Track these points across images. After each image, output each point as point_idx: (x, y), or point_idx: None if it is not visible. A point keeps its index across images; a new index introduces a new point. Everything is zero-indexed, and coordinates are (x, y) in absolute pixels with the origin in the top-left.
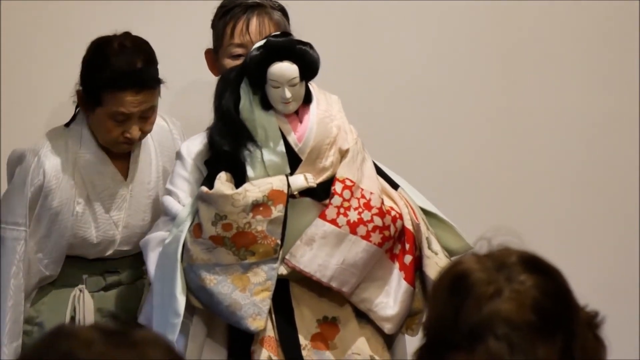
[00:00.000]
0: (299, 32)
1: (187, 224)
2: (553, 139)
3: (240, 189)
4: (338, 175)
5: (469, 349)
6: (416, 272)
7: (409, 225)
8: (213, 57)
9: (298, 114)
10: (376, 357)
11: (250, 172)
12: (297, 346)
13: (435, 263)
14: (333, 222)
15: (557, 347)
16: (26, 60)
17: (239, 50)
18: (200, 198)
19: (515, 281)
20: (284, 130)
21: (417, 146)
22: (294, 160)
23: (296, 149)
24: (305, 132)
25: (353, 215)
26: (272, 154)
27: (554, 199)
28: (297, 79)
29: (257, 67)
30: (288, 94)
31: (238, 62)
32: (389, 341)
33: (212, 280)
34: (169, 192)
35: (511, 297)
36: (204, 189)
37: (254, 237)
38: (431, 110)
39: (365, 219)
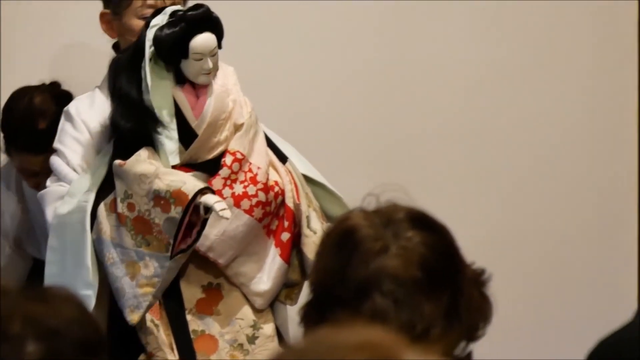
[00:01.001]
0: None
1: (92, 194)
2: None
3: (151, 170)
4: (229, 148)
5: (355, 305)
6: (293, 249)
7: (289, 202)
8: (110, 18)
9: (195, 88)
10: (259, 322)
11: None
12: (182, 310)
13: (313, 242)
14: (218, 192)
15: (443, 303)
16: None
17: (150, 11)
18: (115, 172)
19: (402, 237)
20: (181, 107)
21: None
22: (189, 135)
23: (193, 125)
24: (202, 108)
25: (238, 189)
26: (166, 135)
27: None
28: (216, 49)
29: (180, 42)
30: (210, 64)
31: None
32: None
33: (110, 258)
34: (56, 151)
35: (398, 253)
36: (118, 161)
37: (151, 227)
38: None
39: (250, 193)
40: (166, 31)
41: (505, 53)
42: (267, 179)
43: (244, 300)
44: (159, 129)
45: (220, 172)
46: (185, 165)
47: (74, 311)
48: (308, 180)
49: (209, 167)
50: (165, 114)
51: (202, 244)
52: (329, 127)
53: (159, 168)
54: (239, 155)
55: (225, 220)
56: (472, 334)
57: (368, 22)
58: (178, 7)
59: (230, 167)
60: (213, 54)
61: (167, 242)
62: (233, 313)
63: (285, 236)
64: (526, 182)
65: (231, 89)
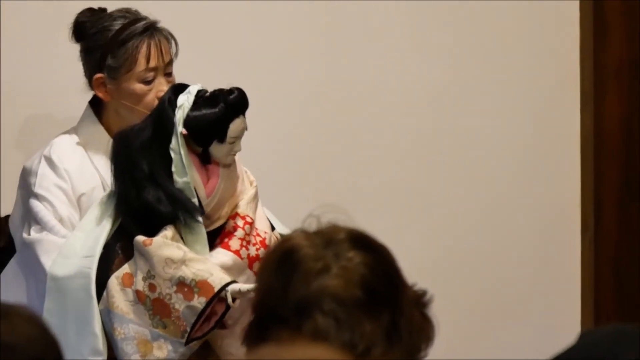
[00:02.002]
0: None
1: (94, 260)
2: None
3: (179, 256)
4: (240, 212)
5: (296, 324)
6: None
7: None
8: (106, 82)
9: (206, 167)
10: None
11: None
12: None
13: None
14: (237, 253)
15: (384, 323)
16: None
17: (151, 75)
18: (137, 249)
19: (343, 258)
20: (196, 185)
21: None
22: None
23: (204, 202)
24: (214, 189)
25: (252, 250)
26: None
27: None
28: (244, 132)
29: (219, 125)
30: (240, 147)
31: (150, 87)
32: None
33: (120, 333)
34: (37, 197)
35: (339, 273)
36: (143, 240)
37: (170, 311)
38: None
39: (261, 256)
40: (204, 114)
41: (449, 74)
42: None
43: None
44: (196, 214)
45: (236, 233)
46: None
47: (34, 330)
48: None
49: (208, 239)
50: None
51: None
52: (272, 145)
53: (186, 254)
54: (248, 219)
55: (242, 282)
56: (414, 355)
57: (314, 41)
58: (199, 86)
59: (243, 229)
60: (241, 136)
61: (183, 329)
62: None
63: None
64: (469, 203)
65: (238, 165)
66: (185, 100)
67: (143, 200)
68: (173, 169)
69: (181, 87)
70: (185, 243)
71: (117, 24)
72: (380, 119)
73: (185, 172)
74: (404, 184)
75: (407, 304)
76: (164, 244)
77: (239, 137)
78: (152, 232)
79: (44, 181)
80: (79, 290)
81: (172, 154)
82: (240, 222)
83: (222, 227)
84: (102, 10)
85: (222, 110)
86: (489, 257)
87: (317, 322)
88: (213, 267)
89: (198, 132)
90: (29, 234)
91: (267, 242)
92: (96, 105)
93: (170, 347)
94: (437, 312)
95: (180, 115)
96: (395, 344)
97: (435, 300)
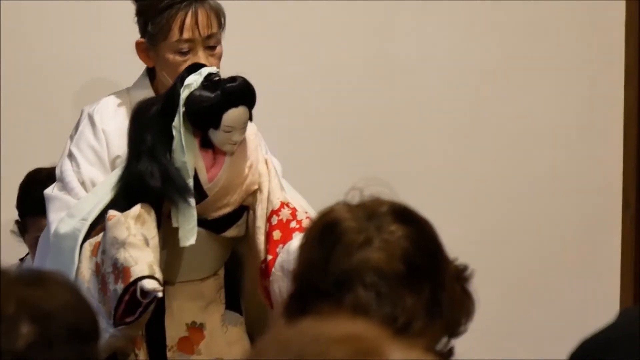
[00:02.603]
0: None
1: (86, 224)
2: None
3: (122, 237)
4: (283, 199)
5: (337, 297)
6: None
7: None
8: (147, 48)
9: (214, 152)
10: None
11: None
12: (163, 346)
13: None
14: (302, 229)
15: (425, 298)
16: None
17: (187, 46)
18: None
19: (385, 231)
20: (197, 168)
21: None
22: (199, 192)
23: (205, 187)
24: (217, 174)
25: None
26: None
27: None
28: (247, 122)
29: (214, 112)
30: (239, 137)
31: (186, 57)
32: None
33: None
34: (70, 154)
35: (381, 246)
36: (109, 213)
37: (106, 290)
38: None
39: None
40: (201, 97)
41: (494, 52)
42: None
43: (225, 339)
44: (187, 196)
45: (297, 215)
46: None
47: (69, 297)
48: None
49: (214, 226)
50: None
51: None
52: (313, 121)
53: (128, 237)
54: (291, 205)
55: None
56: (454, 330)
57: (353, 19)
58: (213, 69)
59: (298, 212)
60: (243, 127)
61: (108, 312)
62: (214, 354)
63: None
64: (511, 181)
65: (249, 155)
66: (194, 81)
67: (137, 172)
68: (173, 147)
69: (197, 67)
70: (177, 223)
71: None
72: (425, 97)
73: (183, 152)
74: (448, 162)
75: (449, 279)
76: (118, 223)
77: (235, 127)
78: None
79: (80, 140)
80: (68, 251)
81: (174, 132)
82: (288, 210)
83: (231, 219)
84: None
85: (218, 97)
86: (531, 233)
87: (358, 295)
88: (145, 256)
89: (193, 115)
90: (52, 191)
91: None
92: (151, 69)
93: (104, 326)
94: (478, 288)
95: (185, 94)
96: (436, 318)
97: (476, 276)
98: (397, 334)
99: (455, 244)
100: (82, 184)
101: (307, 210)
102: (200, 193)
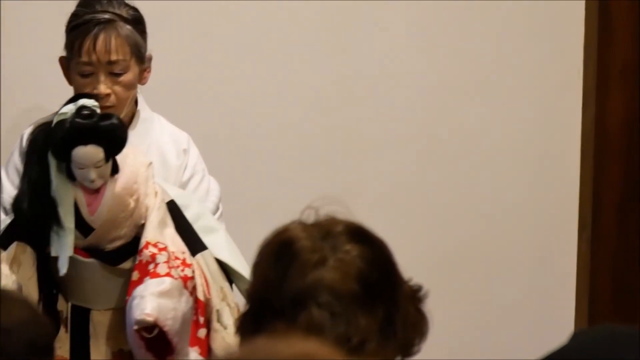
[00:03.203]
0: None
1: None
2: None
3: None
4: (150, 240)
5: (291, 316)
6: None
7: (201, 296)
8: (66, 65)
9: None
10: None
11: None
12: None
13: (222, 337)
14: (168, 275)
15: (379, 318)
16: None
17: (88, 69)
18: None
19: (340, 250)
20: (78, 202)
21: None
22: (87, 229)
23: (88, 221)
24: (98, 207)
25: (177, 272)
26: (61, 228)
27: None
28: (103, 162)
29: (62, 148)
30: (93, 175)
31: (88, 80)
32: None
33: None
34: (5, 169)
35: (335, 265)
36: None
37: None
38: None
39: (189, 275)
40: (55, 130)
41: (455, 69)
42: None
43: None
44: (56, 226)
45: (158, 259)
46: (85, 250)
47: (26, 313)
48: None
49: (111, 258)
50: (65, 210)
51: (172, 326)
52: (274, 139)
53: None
54: (160, 245)
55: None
56: (408, 350)
57: (316, 37)
58: (89, 102)
59: (161, 254)
60: (97, 166)
61: None
62: None
63: (202, 332)
64: (468, 200)
65: (135, 188)
66: (68, 110)
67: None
68: (51, 176)
69: (83, 97)
70: (54, 252)
71: (80, 10)
72: (385, 116)
73: (53, 182)
74: (402, 181)
75: (403, 299)
76: None
77: (86, 165)
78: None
79: (9, 161)
80: None
81: (49, 161)
82: (154, 249)
83: (127, 251)
84: None
85: (66, 133)
86: (486, 254)
87: (312, 314)
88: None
89: (51, 147)
90: None
91: (188, 261)
92: None
93: None
94: (432, 309)
95: (55, 122)
96: (390, 339)
97: (431, 297)
98: (350, 354)
99: (410, 264)
100: (4, 208)
101: (182, 252)
102: (85, 226)
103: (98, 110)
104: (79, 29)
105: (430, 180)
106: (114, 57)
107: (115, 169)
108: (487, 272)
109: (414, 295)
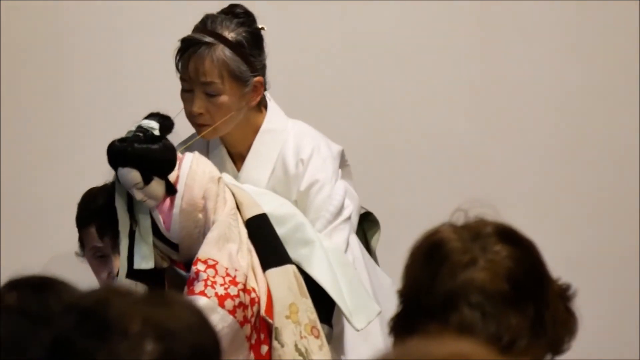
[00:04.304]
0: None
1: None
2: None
3: None
4: (200, 256)
5: (442, 316)
6: None
7: (262, 313)
8: None
9: (165, 202)
10: None
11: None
12: None
13: (279, 355)
14: (201, 293)
15: (529, 316)
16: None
17: (186, 85)
18: None
19: (490, 251)
20: (155, 219)
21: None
22: (169, 244)
23: (167, 236)
24: (170, 223)
25: (220, 290)
26: (141, 241)
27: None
28: (141, 183)
29: (112, 167)
30: (138, 196)
31: (189, 95)
32: None
33: None
34: None
35: (486, 266)
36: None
37: None
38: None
39: (232, 294)
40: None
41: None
42: (247, 280)
43: None
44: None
45: (198, 277)
46: (185, 265)
47: (194, 318)
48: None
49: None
50: (142, 226)
51: None
52: (426, 139)
53: None
54: (210, 262)
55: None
56: (558, 348)
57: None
58: (146, 123)
59: (205, 272)
60: (139, 188)
61: None
62: None
63: (264, 349)
64: (614, 200)
65: (203, 204)
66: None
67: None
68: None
69: (152, 115)
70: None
71: (195, 26)
72: (523, 120)
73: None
74: (545, 186)
75: (552, 298)
76: None
77: (127, 186)
78: None
79: None
80: None
81: None
82: (202, 267)
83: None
84: (227, 10)
85: (108, 157)
86: (629, 256)
87: (463, 314)
88: None
89: None
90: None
91: (237, 279)
92: None
93: None
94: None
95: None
96: (540, 337)
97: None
98: (502, 353)
99: (559, 263)
100: None
101: (235, 269)
102: (169, 242)
103: (155, 130)
104: (182, 45)
105: (568, 184)
106: (205, 79)
107: (170, 189)
108: (632, 275)
109: (563, 294)
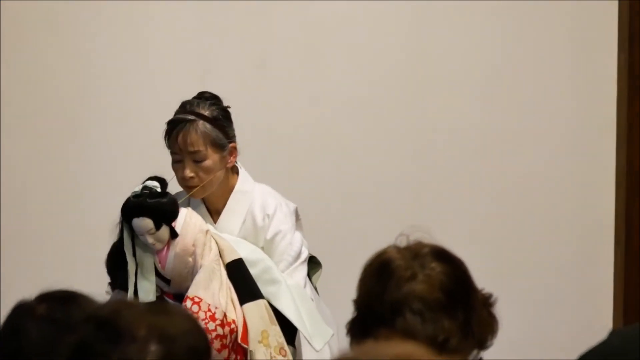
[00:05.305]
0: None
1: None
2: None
3: None
4: (189, 294)
5: (390, 320)
6: None
7: (239, 340)
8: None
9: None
10: None
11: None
12: None
13: None
14: None
15: (459, 320)
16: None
17: (176, 157)
18: None
19: (427, 267)
20: (154, 259)
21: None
22: (164, 280)
23: (162, 273)
24: (165, 263)
25: (201, 325)
26: (143, 278)
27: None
28: (154, 229)
29: (126, 221)
30: (150, 240)
31: (179, 165)
32: None
33: None
34: None
35: (424, 280)
36: None
37: None
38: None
39: (210, 328)
40: (122, 206)
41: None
42: (225, 316)
43: None
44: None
45: None
46: (174, 295)
47: (189, 324)
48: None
49: None
50: (145, 267)
51: None
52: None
53: None
54: (196, 299)
55: None
56: (482, 345)
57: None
58: (151, 184)
59: (190, 309)
60: (151, 233)
61: None
62: None
63: None
64: (526, 221)
65: (193, 250)
66: (137, 189)
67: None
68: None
69: (151, 179)
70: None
71: (177, 110)
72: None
73: (136, 246)
74: (470, 215)
75: (477, 304)
76: None
77: (140, 233)
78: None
79: None
80: None
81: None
82: (189, 304)
83: None
84: (199, 96)
85: (123, 210)
86: (536, 262)
87: (407, 319)
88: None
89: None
90: None
91: (216, 316)
92: None
93: None
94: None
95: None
96: (468, 336)
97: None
98: (438, 352)
99: (481, 276)
100: None
101: (216, 307)
102: (162, 278)
103: (158, 189)
104: (170, 125)
105: (496, 212)
106: (192, 149)
107: (174, 234)
108: (537, 283)
109: (486, 301)
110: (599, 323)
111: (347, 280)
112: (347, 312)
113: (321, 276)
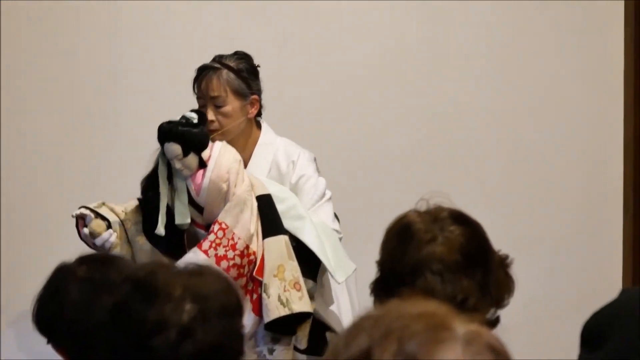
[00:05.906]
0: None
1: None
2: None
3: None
4: (219, 218)
5: (411, 281)
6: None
7: (254, 273)
8: None
9: (197, 174)
10: None
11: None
12: None
13: (265, 305)
14: (205, 252)
15: (477, 280)
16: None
17: (200, 102)
18: None
19: (446, 230)
20: (188, 186)
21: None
22: (197, 207)
23: (196, 200)
24: (200, 190)
25: (221, 251)
26: (178, 201)
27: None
28: (181, 155)
29: (160, 145)
30: (177, 165)
31: (203, 109)
32: None
33: None
34: None
35: (443, 242)
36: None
37: None
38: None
39: (229, 257)
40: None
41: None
42: (246, 247)
43: None
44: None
45: (209, 236)
46: (206, 225)
47: (222, 284)
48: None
49: None
50: (179, 191)
51: None
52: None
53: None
54: (224, 226)
55: None
56: (499, 304)
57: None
58: (190, 114)
59: (216, 234)
60: (179, 159)
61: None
62: None
63: (254, 296)
64: (531, 193)
65: (227, 177)
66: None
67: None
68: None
69: (193, 110)
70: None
71: (203, 65)
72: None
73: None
74: (488, 180)
75: (494, 265)
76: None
77: (170, 158)
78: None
79: None
80: None
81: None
82: (216, 227)
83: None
84: (232, 53)
85: (158, 135)
86: (542, 232)
87: (427, 279)
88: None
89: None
90: None
91: (237, 246)
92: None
93: None
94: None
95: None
96: (486, 296)
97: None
98: (457, 309)
99: (498, 238)
100: None
101: (239, 237)
102: (196, 206)
103: (194, 120)
104: (198, 72)
105: (510, 180)
106: (213, 94)
107: (202, 163)
108: (545, 250)
109: (503, 262)
110: (609, 284)
111: (372, 242)
112: (372, 273)
113: (345, 240)
